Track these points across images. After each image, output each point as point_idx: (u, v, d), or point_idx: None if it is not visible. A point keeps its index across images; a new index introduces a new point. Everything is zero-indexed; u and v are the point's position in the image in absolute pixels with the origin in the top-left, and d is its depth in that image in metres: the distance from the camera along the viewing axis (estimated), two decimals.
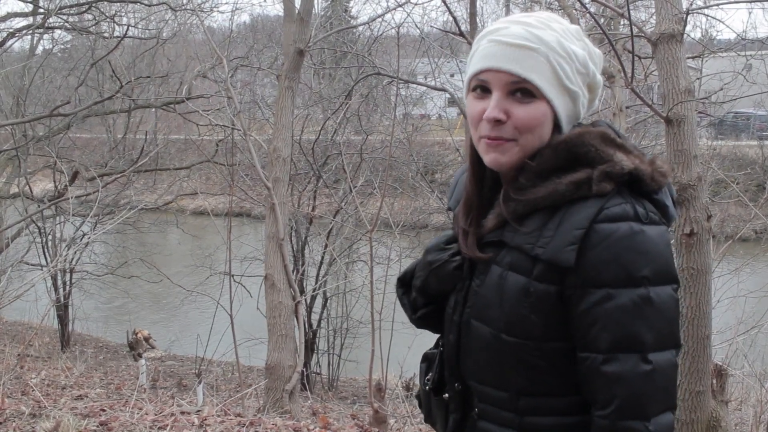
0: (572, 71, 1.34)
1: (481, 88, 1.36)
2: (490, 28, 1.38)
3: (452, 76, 12.92)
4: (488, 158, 1.37)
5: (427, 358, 1.60)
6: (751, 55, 6.89)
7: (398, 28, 7.08)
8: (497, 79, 1.33)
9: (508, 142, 1.35)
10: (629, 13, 3.21)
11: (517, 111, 1.32)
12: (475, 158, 1.44)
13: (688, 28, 3.88)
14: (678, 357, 1.30)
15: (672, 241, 2.76)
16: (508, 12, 15.09)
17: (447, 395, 1.50)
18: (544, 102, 1.33)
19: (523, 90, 1.32)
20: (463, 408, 1.47)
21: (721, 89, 5.37)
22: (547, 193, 1.31)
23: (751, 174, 15.02)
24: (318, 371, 11.24)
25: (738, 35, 5.33)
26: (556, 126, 1.36)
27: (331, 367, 11.46)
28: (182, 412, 5.25)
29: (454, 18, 4.12)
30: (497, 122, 1.33)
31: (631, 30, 3.29)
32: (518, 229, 1.34)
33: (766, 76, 6.99)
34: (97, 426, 4.62)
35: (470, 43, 5.32)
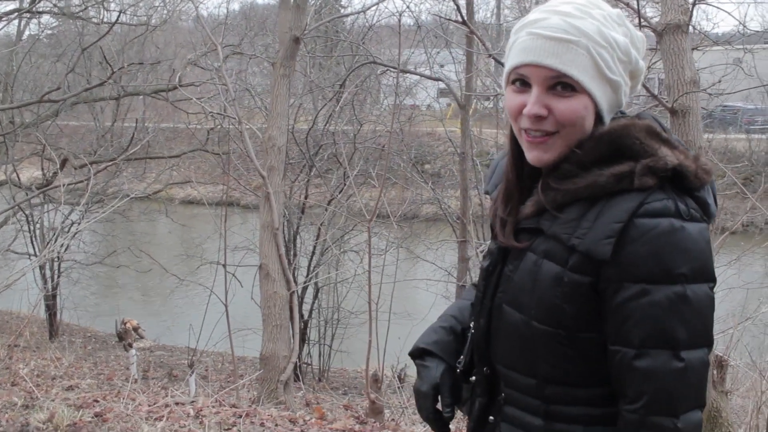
0: (613, 61, 1.32)
1: (520, 81, 1.35)
2: (529, 18, 1.35)
3: (442, 66, 12.88)
4: (531, 155, 1.37)
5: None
6: (749, 49, 6.92)
7: (399, 15, 7.01)
8: (537, 73, 1.31)
9: (551, 138, 1.34)
10: (638, 3, 3.18)
11: (558, 105, 1.31)
12: (515, 148, 1.43)
13: None
14: (709, 355, 1.29)
15: None
16: (499, 1, 15.04)
17: (474, 378, 1.50)
18: (585, 95, 1.31)
19: (563, 84, 1.30)
20: (490, 392, 1.47)
21: (719, 81, 5.38)
22: (587, 183, 1.30)
23: (738, 168, 15.11)
24: (309, 362, 11.23)
25: (740, 23, 5.35)
26: (598, 117, 1.35)
27: (321, 357, 11.46)
28: (177, 403, 5.22)
29: (458, 6, 4.07)
30: (538, 117, 1.32)
31: (640, 21, 3.26)
32: (556, 218, 1.33)
33: (755, 70, 7.02)
34: (92, 417, 4.57)
35: (472, 32, 5.30)
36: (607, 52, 1.30)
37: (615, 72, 1.32)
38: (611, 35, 1.31)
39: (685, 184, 1.29)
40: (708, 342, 1.28)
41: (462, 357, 1.55)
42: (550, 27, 1.30)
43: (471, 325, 1.54)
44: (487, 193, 1.58)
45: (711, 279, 1.28)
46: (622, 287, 1.25)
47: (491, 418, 1.46)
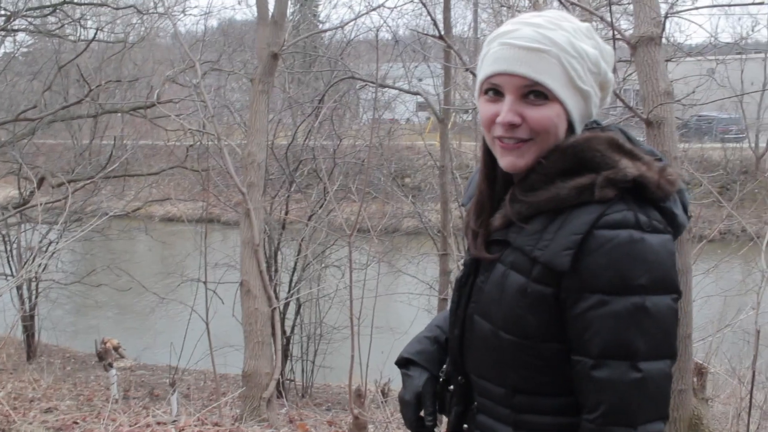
0: (584, 71, 1.34)
1: (493, 91, 1.36)
2: (501, 30, 1.38)
3: (420, 80, 12.96)
4: (505, 161, 1.38)
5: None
6: (721, 60, 7.06)
7: (377, 30, 7.05)
8: (510, 82, 1.33)
9: (525, 144, 1.35)
10: (612, 16, 3.23)
11: (531, 113, 1.33)
12: (488, 159, 1.44)
13: None
14: (672, 367, 1.29)
15: None
16: (476, 15, 15.19)
17: (451, 387, 1.52)
18: (557, 103, 1.33)
19: (536, 92, 1.32)
20: (465, 401, 1.49)
21: (693, 92, 5.47)
22: (549, 196, 1.32)
23: (714, 177, 15.31)
24: (292, 378, 11.15)
25: (711, 35, 5.48)
26: (570, 126, 1.36)
27: (304, 373, 11.38)
28: (158, 423, 5.16)
29: (435, 21, 4.11)
30: (512, 125, 1.33)
31: (614, 34, 3.30)
32: (522, 230, 1.35)
33: (728, 80, 7.18)
34: None
35: (449, 46, 5.34)
36: (578, 62, 1.32)
37: (585, 82, 1.34)
38: (581, 46, 1.33)
39: (647, 195, 1.30)
40: (670, 353, 1.28)
41: (445, 366, 1.56)
42: (522, 37, 1.32)
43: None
44: (462, 205, 1.59)
45: (673, 290, 1.27)
46: (582, 298, 1.27)
47: (465, 426, 1.48)
